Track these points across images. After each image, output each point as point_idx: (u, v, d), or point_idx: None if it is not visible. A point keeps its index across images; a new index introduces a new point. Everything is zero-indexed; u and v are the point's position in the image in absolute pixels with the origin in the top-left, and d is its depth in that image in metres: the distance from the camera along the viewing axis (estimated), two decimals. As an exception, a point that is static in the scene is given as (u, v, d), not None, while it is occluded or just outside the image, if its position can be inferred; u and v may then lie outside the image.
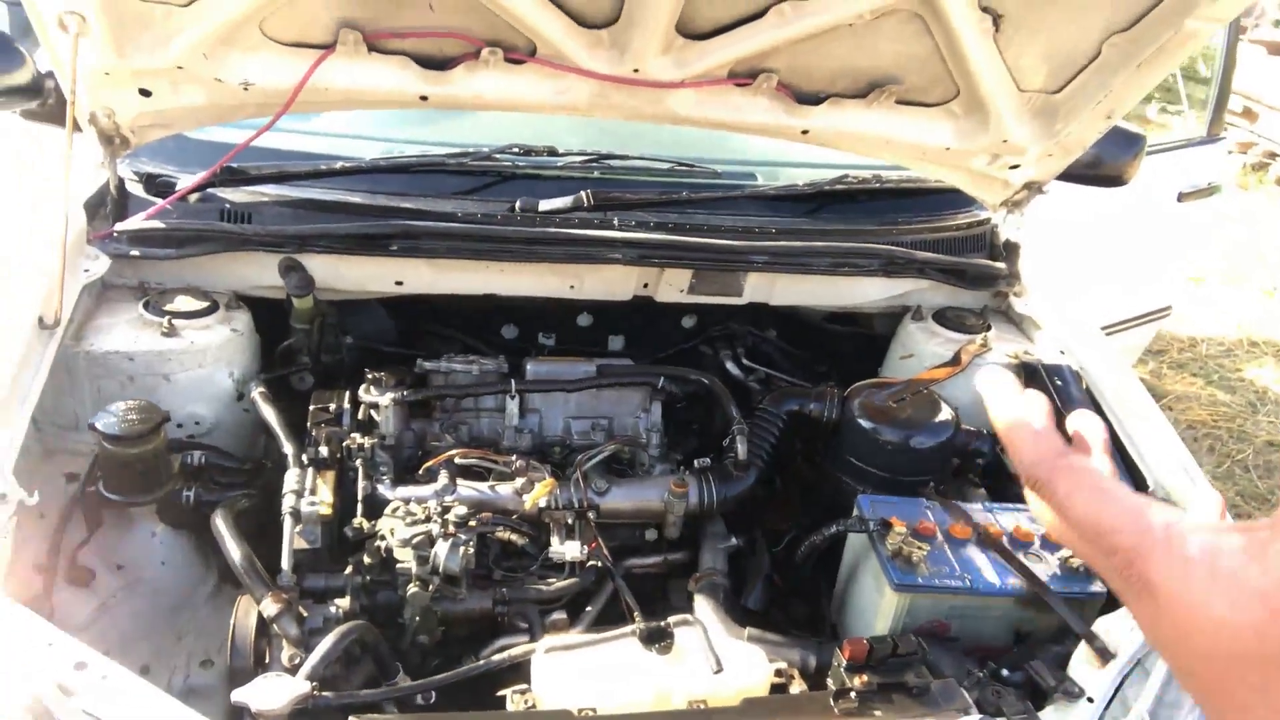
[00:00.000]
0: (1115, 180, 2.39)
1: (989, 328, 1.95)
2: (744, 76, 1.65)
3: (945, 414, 1.72)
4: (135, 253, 1.63)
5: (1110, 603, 1.40)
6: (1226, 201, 7.49)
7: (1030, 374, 1.84)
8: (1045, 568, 1.43)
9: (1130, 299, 3.29)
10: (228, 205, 1.71)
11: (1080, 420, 0.67)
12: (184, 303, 1.62)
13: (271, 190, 1.75)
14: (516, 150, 1.92)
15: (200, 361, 1.57)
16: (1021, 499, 1.47)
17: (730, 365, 1.96)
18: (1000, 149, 1.81)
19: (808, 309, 2.06)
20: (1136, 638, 1.32)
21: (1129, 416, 1.69)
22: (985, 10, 1.52)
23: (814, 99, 1.71)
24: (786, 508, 1.80)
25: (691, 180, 1.99)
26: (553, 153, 1.93)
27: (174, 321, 1.56)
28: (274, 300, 1.75)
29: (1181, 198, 3.10)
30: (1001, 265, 2.02)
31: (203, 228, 1.65)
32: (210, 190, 1.71)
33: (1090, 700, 1.26)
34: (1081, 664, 1.32)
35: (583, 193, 1.81)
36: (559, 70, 1.58)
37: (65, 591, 1.36)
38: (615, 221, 1.78)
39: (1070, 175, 2.32)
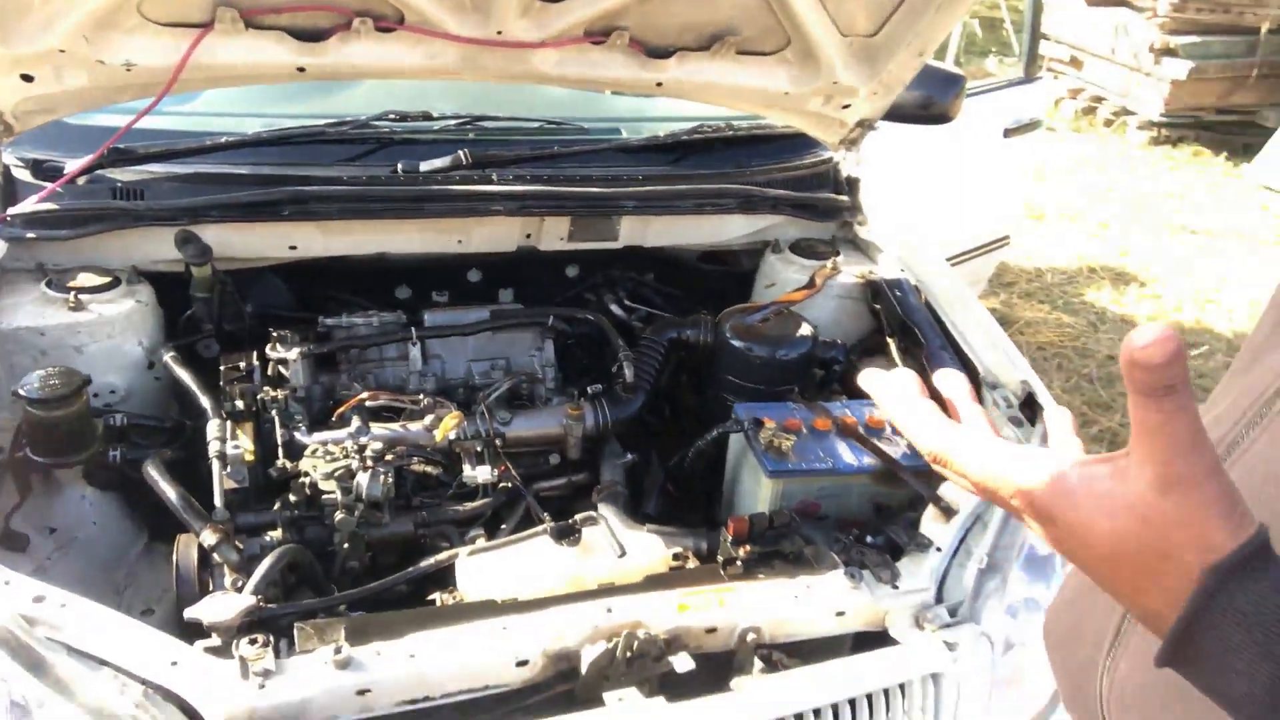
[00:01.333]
0: (942, 117, 2.67)
1: (838, 253, 2.18)
2: (599, 34, 1.81)
3: (805, 330, 1.93)
4: (31, 235, 1.68)
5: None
6: (1062, 144, 8.11)
7: (875, 289, 2.08)
8: (895, 448, 1.66)
9: (971, 230, 3.61)
10: (119, 184, 1.77)
11: (945, 381, 0.80)
12: (86, 279, 1.68)
13: (160, 168, 1.82)
14: (393, 116, 2.03)
15: (109, 333, 1.65)
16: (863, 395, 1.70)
17: (614, 307, 2.13)
18: (832, 90, 2.03)
19: (680, 250, 2.24)
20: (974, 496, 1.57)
21: (957, 315, 1.95)
22: (805, -35, 1.73)
23: (664, 53, 1.88)
24: (677, 428, 1.99)
25: (561, 136, 2.15)
26: (427, 117, 2.05)
27: (80, 296, 1.63)
28: (173, 274, 1.82)
29: (1007, 133, 3.43)
30: (845, 198, 2.26)
31: (97, 207, 1.71)
32: (100, 171, 1.77)
33: (939, 550, 1.49)
34: (930, 522, 1.55)
35: (460, 152, 1.94)
36: (427, 35, 1.71)
37: (2, 557, 1.43)
38: (494, 176, 1.93)
39: (905, 116, 2.59)
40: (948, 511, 1.54)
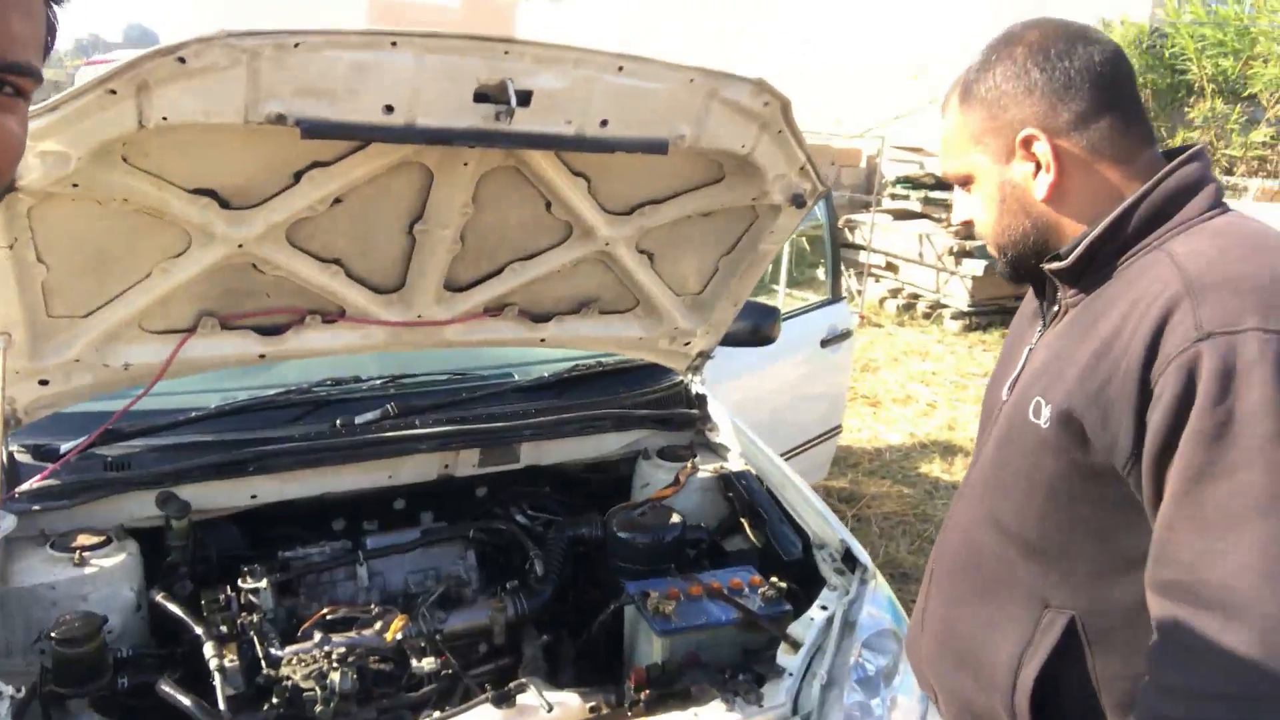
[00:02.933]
0: (767, 340, 3.37)
1: (695, 455, 2.73)
2: (495, 309, 2.39)
3: (675, 519, 2.43)
4: (36, 507, 2.04)
5: (797, 613, 2.12)
6: (890, 337, 9.24)
7: (727, 481, 2.63)
8: (750, 601, 2.15)
9: (804, 424, 4.28)
10: (108, 458, 2.16)
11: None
12: (84, 539, 2.03)
13: (139, 442, 2.22)
14: (330, 381, 2.51)
15: (109, 581, 1.99)
16: (731, 565, 2.19)
17: (519, 517, 2.58)
18: (674, 333, 2.65)
19: (569, 464, 2.75)
20: (814, 630, 2.05)
21: (789, 494, 2.50)
22: (642, 252, 2.37)
23: (545, 318, 2.47)
24: (580, 610, 2.42)
25: (465, 385, 2.67)
26: (358, 379, 2.55)
27: (83, 554, 1.98)
28: (150, 529, 2.18)
29: (824, 343, 4.19)
30: (695, 411, 2.84)
31: (93, 479, 2.09)
32: (89, 449, 2.16)
33: (790, 675, 1.95)
34: (783, 655, 2.02)
35: (388, 405, 2.43)
36: (362, 324, 2.24)
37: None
38: (417, 422, 2.41)
39: (740, 341, 3.27)
40: (795, 645, 2.01)
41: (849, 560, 2.27)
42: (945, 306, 9.95)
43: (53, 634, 1.76)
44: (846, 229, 10.90)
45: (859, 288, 10.38)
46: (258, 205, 1.85)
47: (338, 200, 1.91)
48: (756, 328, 3.38)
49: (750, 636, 2.11)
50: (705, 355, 2.82)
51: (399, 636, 2.03)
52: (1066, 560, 1.28)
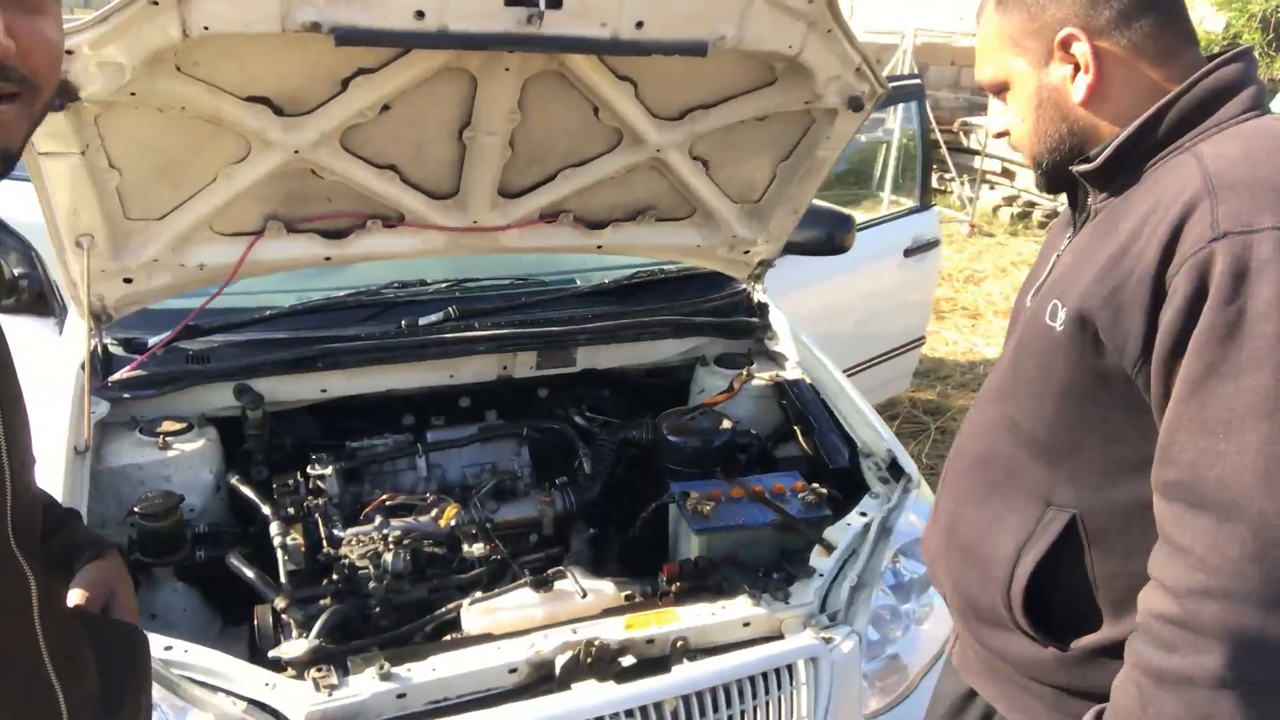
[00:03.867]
0: (840, 248, 3.31)
1: (752, 363, 2.75)
2: (550, 215, 2.43)
3: (725, 424, 2.47)
4: (127, 395, 2.23)
5: (834, 520, 2.15)
6: (1002, 248, 8.88)
7: (782, 389, 2.64)
8: (792, 506, 2.18)
9: (887, 335, 4.22)
10: (190, 352, 2.32)
11: None
12: (169, 425, 2.22)
13: (219, 338, 2.38)
14: (396, 285, 2.62)
15: (189, 465, 2.17)
16: (779, 471, 2.23)
17: (577, 418, 2.67)
18: (733, 241, 2.64)
19: (628, 369, 2.80)
20: (850, 535, 2.08)
21: (841, 404, 2.50)
22: (696, 158, 2.35)
23: (600, 224, 2.49)
24: (631, 508, 2.50)
25: (527, 289, 2.74)
26: (423, 283, 2.64)
27: (167, 439, 2.17)
28: (229, 418, 2.35)
29: (908, 253, 4.08)
30: (755, 319, 2.84)
31: (177, 370, 2.26)
32: (174, 344, 2.33)
33: (821, 575, 1.99)
34: (816, 556, 2.05)
35: (449, 308, 2.52)
36: (421, 229, 2.32)
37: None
38: (475, 324, 2.50)
39: (812, 250, 3.23)
40: (828, 548, 2.05)
41: (894, 469, 2.27)
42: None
43: (136, 509, 1.94)
44: (962, 133, 10.41)
45: (971, 195, 9.95)
46: (310, 112, 1.92)
47: (386, 107, 1.96)
48: (830, 236, 3.33)
49: (788, 539, 2.16)
50: (767, 264, 2.80)
51: (452, 523, 2.15)
52: (1073, 460, 1.28)
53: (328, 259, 2.31)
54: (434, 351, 2.42)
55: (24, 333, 2.61)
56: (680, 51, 1.84)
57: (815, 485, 2.22)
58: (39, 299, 2.70)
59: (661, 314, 2.72)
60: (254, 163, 1.99)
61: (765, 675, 1.77)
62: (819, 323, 3.79)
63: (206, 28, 1.56)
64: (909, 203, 4.69)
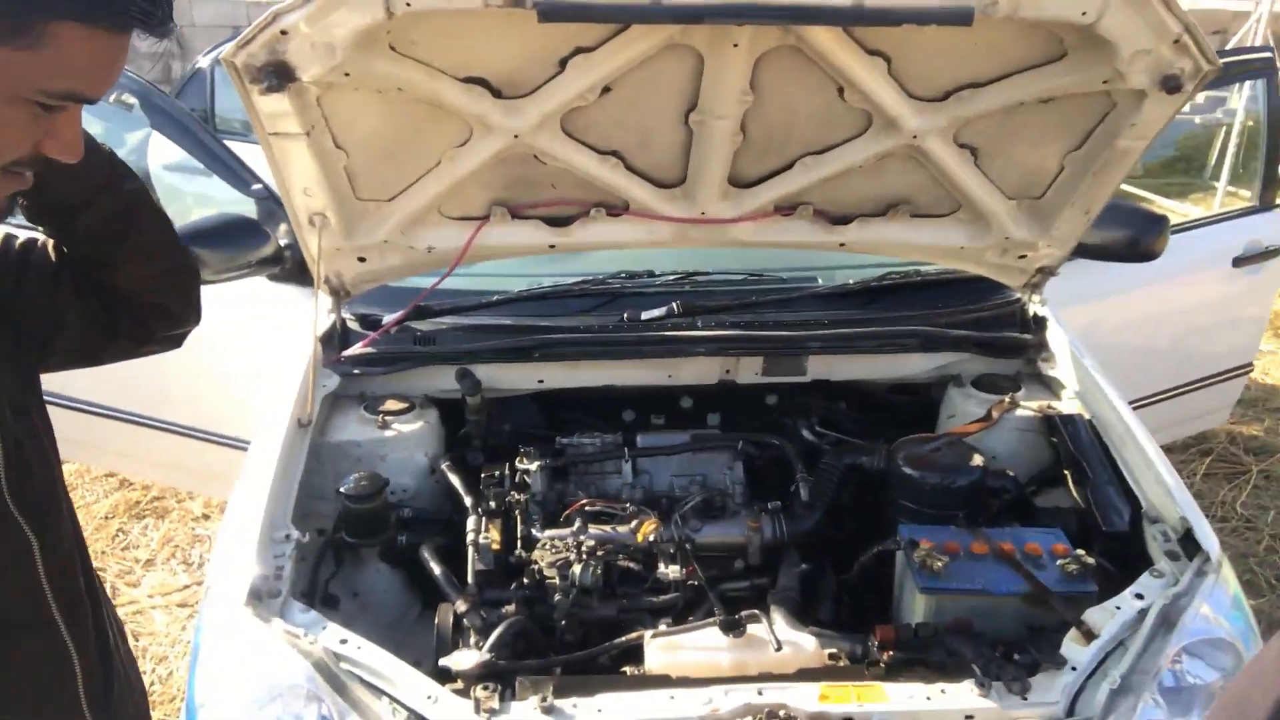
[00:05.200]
0: (1148, 256, 2.78)
1: (1019, 389, 2.35)
2: (787, 208, 2.18)
3: (976, 460, 2.12)
4: (357, 371, 2.28)
5: (1101, 598, 1.76)
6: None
7: (1052, 424, 2.23)
8: (1048, 574, 1.81)
9: (1204, 358, 3.54)
10: (418, 333, 2.34)
11: None
12: (392, 404, 2.24)
13: (447, 320, 2.38)
14: (624, 275, 2.50)
15: (405, 446, 2.18)
16: (1041, 524, 1.86)
17: (805, 432, 2.42)
18: (1005, 244, 2.25)
19: (870, 383, 2.50)
20: (1119, 621, 1.68)
21: (1128, 451, 2.06)
22: (963, 146, 2.00)
23: (844, 220, 2.21)
24: (856, 545, 2.22)
25: (759, 287, 2.51)
26: (651, 275, 2.50)
27: (386, 418, 2.18)
28: (452, 400, 2.34)
29: (1238, 262, 3.38)
30: (1028, 336, 2.42)
31: (403, 350, 2.28)
32: (405, 323, 2.35)
33: (1074, 669, 1.62)
34: (1070, 643, 1.68)
35: (673, 304, 2.35)
36: (646, 219, 2.16)
37: (321, 612, 1.93)
38: (699, 323, 2.32)
39: (1112, 255, 2.74)
40: (1089, 634, 1.66)
41: (1188, 543, 1.82)
42: None
43: (341, 489, 1.96)
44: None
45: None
46: (528, 94, 1.81)
47: (607, 89, 1.81)
48: (1135, 239, 2.79)
49: (1038, 616, 1.79)
50: (1047, 271, 2.37)
51: (650, 538, 2.00)
52: None
53: (552, 246, 2.21)
54: (652, 350, 2.27)
55: (288, 301, 2.77)
56: (940, 21, 1.53)
57: (1081, 552, 1.83)
58: (302, 269, 2.85)
59: (911, 323, 2.39)
60: (476, 147, 1.93)
61: (982, 789, 1.45)
62: (1116, 340, 3.26)
63: (409, 4, 1.48)
64: (1248, 198, 3.90)
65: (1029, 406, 2.29)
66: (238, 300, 2.83)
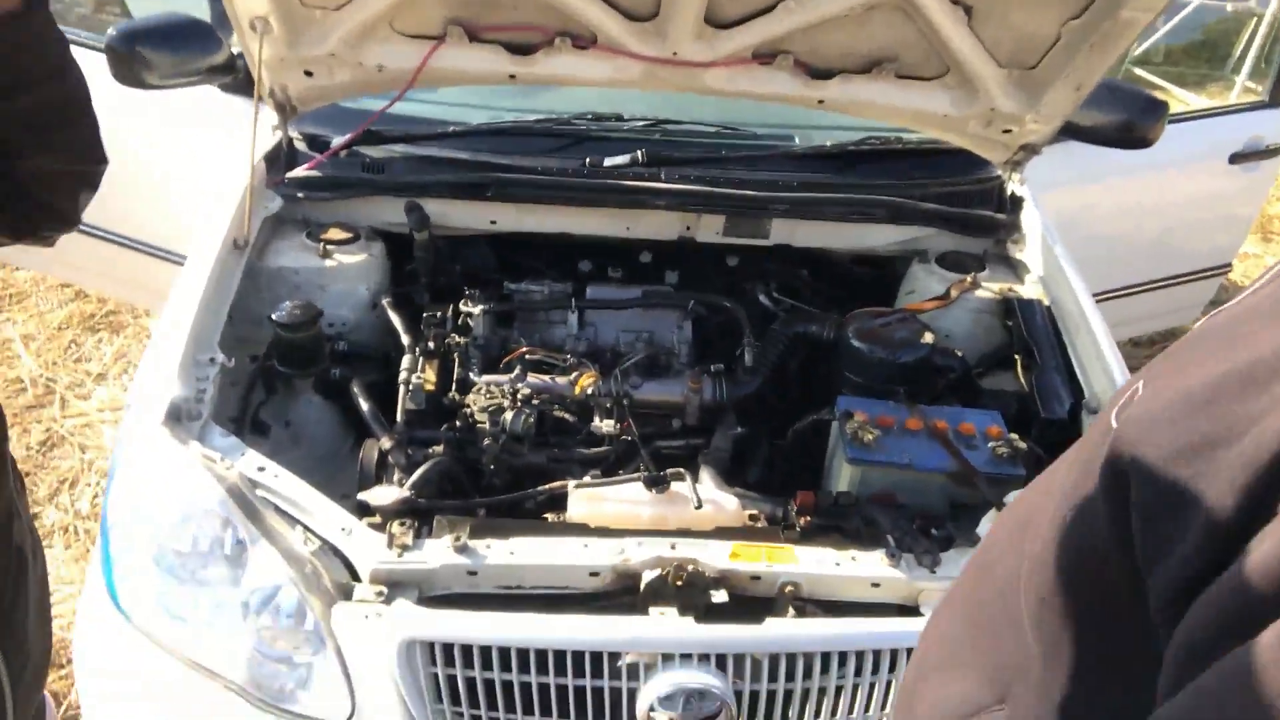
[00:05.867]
0: (1143, 142, 2.64)
1: (983, 269, 2.28)
2: (766, 56, 2.04)
3: (927, 338, 2.07)
4: (300, 195, 2.18)
5: (1027, 480, 1.75)
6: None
7: (1009, 307, 2.18)
8: (978, 454, 1.80)
9: (1183, 254, 3.47)
10: (367, 159, 2.23)
11: None
12: (335, 233, 2.16)
13: (400, 148, 2.27)
14: (590, 116, 2.37)
15: (346, 276, 2.11)
16: (983, 407, 1.83)
17: (762, 297, 2.36)
18: (991, 116, 2.13)
19: (833, 251, 2.43)
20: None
21: (1080, 339, 2.02)
22: (955, 3, 1.86)
23: (826, 74, 2.08)
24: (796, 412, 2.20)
25: (734, 141, 2.40)
26: (619, 118, 2.37)
27: (328, 247, 2.11)
28: (401, 234, 2.26)
29: (1234, 158, 3.26)
30: (1001, 216, 2.34)
31: (349, 177, 2.18)
32: (355, 148, 2.24)
33: (990, 548, 1.63)
34: (987, 522, 1.69)
35: (638, 151, 2.24)
36: (614, 54, 2.02)
37: (250, 438, 1.92)
38: (663, 175, 2.21)
39: (1104, 138, 2.61)
40: (1009, 518, 1.67)
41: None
42: None
43: (273, 316, 1.90)
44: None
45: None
46: (485, -100, 1.65)
47: (573, -101, 1.65)
48: (1130, 124, 2.64)
49: (966, 493, 1.79)
50: (1031, 149, 2.27)
51: (588, 391, 1.97)
52: None
53: (512, 77, 2.08)
54: (610, 199, 2.18)
55: (239, 114, 2.63)
56: None
57: (1015, 435, 1.82)
58: (252, 81, 2.70)
59: (883, 193, 2.30)
60: (429, -45, 1.77)
61: (877, 655, 1.48)
62: (1098, 230, 3.17)
63: None
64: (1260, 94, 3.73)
65: (989, 288, 2.24)
66: (190, 110, 2.69)
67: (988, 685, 0.78)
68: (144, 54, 2.15)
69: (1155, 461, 0.58)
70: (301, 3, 1.89)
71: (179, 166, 2.87)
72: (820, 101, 2.13)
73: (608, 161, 2.26)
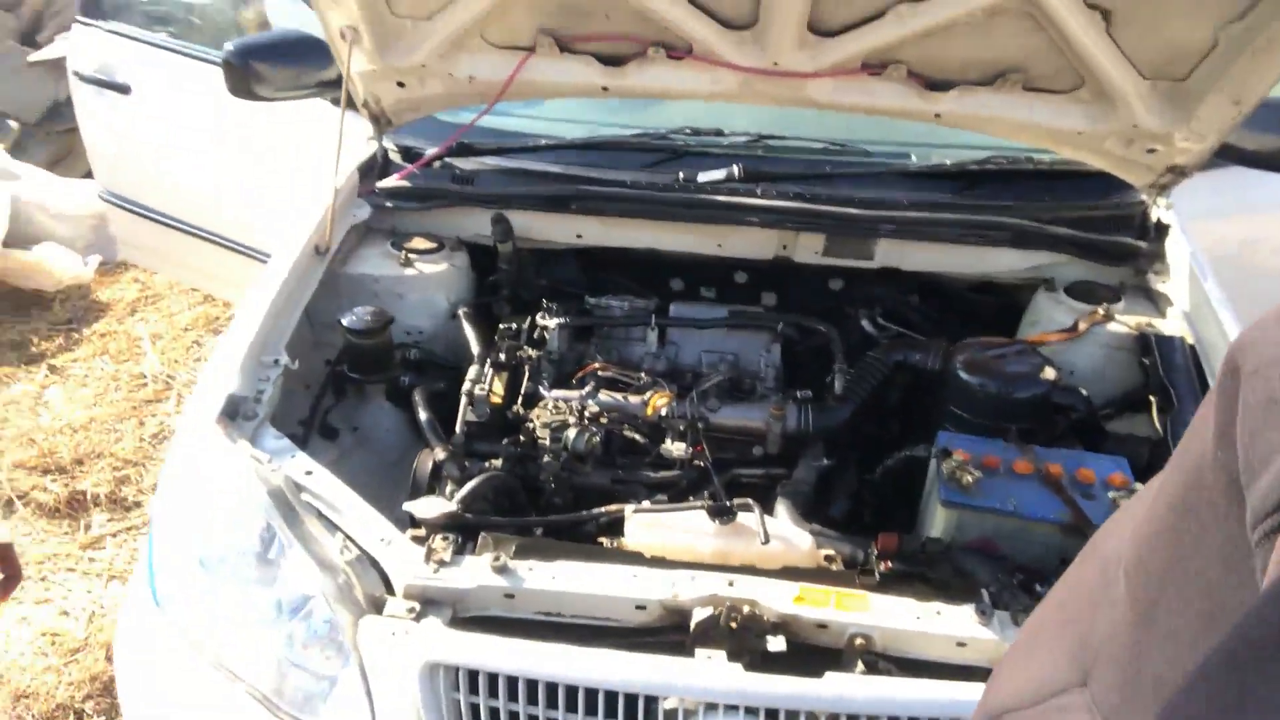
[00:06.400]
0: (1309, 166, 2.33)
1: (1118, 300, 2.03)
2: (875, 66, 1.89)
3: (1048, 374, 1.84)
4: (389, 204, 2.17)
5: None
6: None
7: (1146, 344, 1.92)
8: (1096, 505, 1.56)
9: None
10: (458, 171, 2.20)
11: None
12: (419, 243, 2.13)
13: (491, 161, 2.23)
14: (689, 131, 2.27)
15: (425, 287, 2.07)
16: (1109, 452, 1.60)
17: (865, 323, 2.18)
18: (1133, 134, 1.91)
19: (949, 277, 2.22)
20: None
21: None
22: (1093, 7, 1.66)
23: (943, 85, 1.90)
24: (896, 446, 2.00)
25: (841, 158, 2.24)
26: (719, 133, 2.26)
27: (410, 256, 2.08)
28: (488, 246, 2.21)
29: None
30: (1142, 243, 2.09)
31: (435, 187, 2.15)
32: (446, 159, 2.22)
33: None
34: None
35: (734, 166, 2.12)
36: (711, 64, 1.92)
37: (317, 441, 1.89)
38: (758, 190, 2.08)
39: (1262, 161, 2.32)
40: (1129, 581, 1.43)
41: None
42: None
43: (342, 320, 1.87)
44: None
45: None
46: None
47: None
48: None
49: (1077, 547, 1.55)
50: (1180, 171, 2.02)
51: (660, 413, 1.84)
52: None
53: (605, 89, 2.01)
54: (698, 214, 2.06)
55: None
56: None
57: (1141, 486, 1.57)
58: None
59: (1009, 215, 2.09)
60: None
61: (955, 725, 1.27)
62: (1260, 265, 2.82)
63: None
64: None
65: (1125, 321, 1.99)
66: (310, 124, 2.76)
67: (1071, 665, 0.69)
68: (257, 68, 2.20)
69: (1272, 359, 0.53)
70: (392, 12, 1.89)
71: (299, 179, 2.94)
72: (937, 116, 1.96)
73: (701, 176, 2.15)
